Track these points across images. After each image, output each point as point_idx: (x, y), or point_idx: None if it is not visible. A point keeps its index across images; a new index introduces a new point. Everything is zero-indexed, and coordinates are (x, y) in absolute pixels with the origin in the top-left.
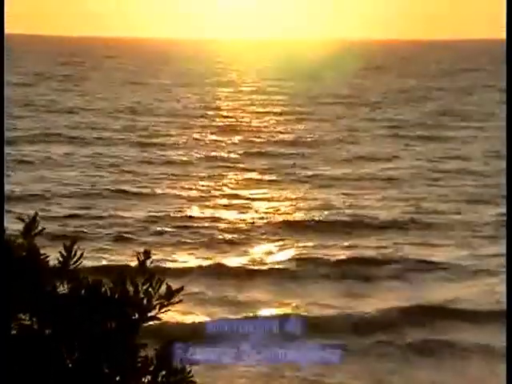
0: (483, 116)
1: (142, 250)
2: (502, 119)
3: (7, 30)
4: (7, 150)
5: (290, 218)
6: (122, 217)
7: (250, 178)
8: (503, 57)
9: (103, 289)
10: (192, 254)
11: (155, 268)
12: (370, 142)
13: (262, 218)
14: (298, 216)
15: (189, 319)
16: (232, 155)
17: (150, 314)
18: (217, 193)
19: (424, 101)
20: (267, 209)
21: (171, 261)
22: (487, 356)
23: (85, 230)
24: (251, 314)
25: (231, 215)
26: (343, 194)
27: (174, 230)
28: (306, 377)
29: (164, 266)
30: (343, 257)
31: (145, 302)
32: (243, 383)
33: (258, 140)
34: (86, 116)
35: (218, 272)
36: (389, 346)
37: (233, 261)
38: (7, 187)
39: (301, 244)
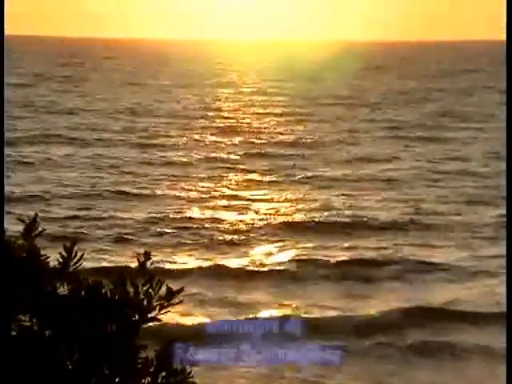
0: (483, 117)
1: (141, 251)
2: (502, 120)
3: (7, 32)
4: (7, 151)
5: (289, 219)
6: (122, 218)
7: (250, 179)
8: (503, 58)
9: (103, 290)
10: (192, 255)
11: (155, 269)
12: (369, 143)
13: (262, 219)
14: (298, 217)
15: (188, 320)
16: (232, 156)
17: (150, 315)
18: (217, 194)
19: (424, 102)
20: (267, 210)
21: (171, 262)
22: (487, 357)
23: (85, 231)
24: (251, 316)
25: (231, 216)
26: (343, 194)
27: (173, 231)
28: (306, 378)
29: (163, 267)
30: (343, 258)
31: (145, 303)
32: None
33: (258, 141)
34: (85, 117)
35: (218, 273)
36: (389, 347)
37: (233, 262)
38: (7, 188)
39: (300, 245)
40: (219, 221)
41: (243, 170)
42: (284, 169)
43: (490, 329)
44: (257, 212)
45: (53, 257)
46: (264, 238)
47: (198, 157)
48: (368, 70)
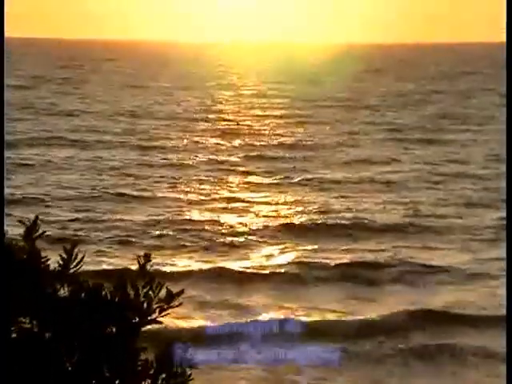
0: (483, 119)
1: (142, 253)
2: (502, 122)
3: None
4: (7, 153)
5: (289, 221)
6: (122, 220)
7: (250, 182)
8: (502, 60)
9: (103, 292)
10: (192, 257)
11: (155, 272)
12: (369, 146)
13: (262, 222)
14: (298, 219)
15: (187, 323)
16: (232, 158)
17: (150, 318)
18: (217, 196)
19: (423, 104)
20: (267, 212)
21: (171, 264)
22: (487, 358)
23: (84, 233)
24: (251, 318)
25: (231, 218)
26: (343, 197)
27: (173, 233)
28: (307, 381)
29: (163, 269)
30: (343, 260)
31: (145, 305)
32: None
33: (259, 143)
34: (86, 119)
35: (218, 275)
36: (391, 349)
37: (232, 264)
38: (7, 190)
39: (300, 247)
40: (219, 223)
41: (243, 172)
42: (284, 171)
43: (490, 331)
44: (257, 214)
45: (53, 259)
46: (264, 240)
47: (198, 159)
48: (367, 71)
